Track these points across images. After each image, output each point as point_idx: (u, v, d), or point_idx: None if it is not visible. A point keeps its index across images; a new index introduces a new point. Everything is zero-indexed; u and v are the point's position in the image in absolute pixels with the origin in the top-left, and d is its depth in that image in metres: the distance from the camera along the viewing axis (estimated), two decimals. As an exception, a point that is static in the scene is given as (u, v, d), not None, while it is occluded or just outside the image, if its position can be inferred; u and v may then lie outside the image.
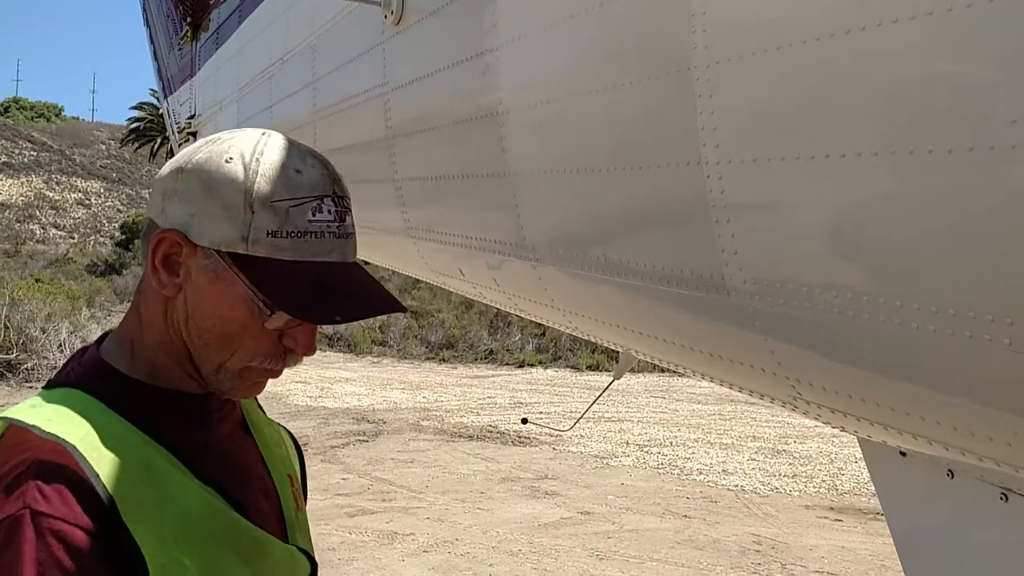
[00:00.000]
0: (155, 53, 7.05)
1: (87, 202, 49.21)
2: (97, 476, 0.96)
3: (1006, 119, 1.05)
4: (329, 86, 3.37)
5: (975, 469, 1.49)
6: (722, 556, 6.65)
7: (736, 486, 8.75)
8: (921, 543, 1.72)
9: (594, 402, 3.35)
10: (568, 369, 18.73)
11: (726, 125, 1.49)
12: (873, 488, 1.85)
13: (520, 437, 10.82)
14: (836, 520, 7.68)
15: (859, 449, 1.83)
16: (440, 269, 3.14)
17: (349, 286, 1.12)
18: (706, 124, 1.52)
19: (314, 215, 1.08)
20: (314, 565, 1.24)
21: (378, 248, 3.74)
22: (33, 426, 0.99)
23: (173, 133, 6.66)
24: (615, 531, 7.20)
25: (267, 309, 1.07)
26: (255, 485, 1.19)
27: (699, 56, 1.51)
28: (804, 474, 9.27)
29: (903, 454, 1.67)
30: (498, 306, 3.07)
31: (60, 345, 14.80)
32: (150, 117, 41.26)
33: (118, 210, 49.12)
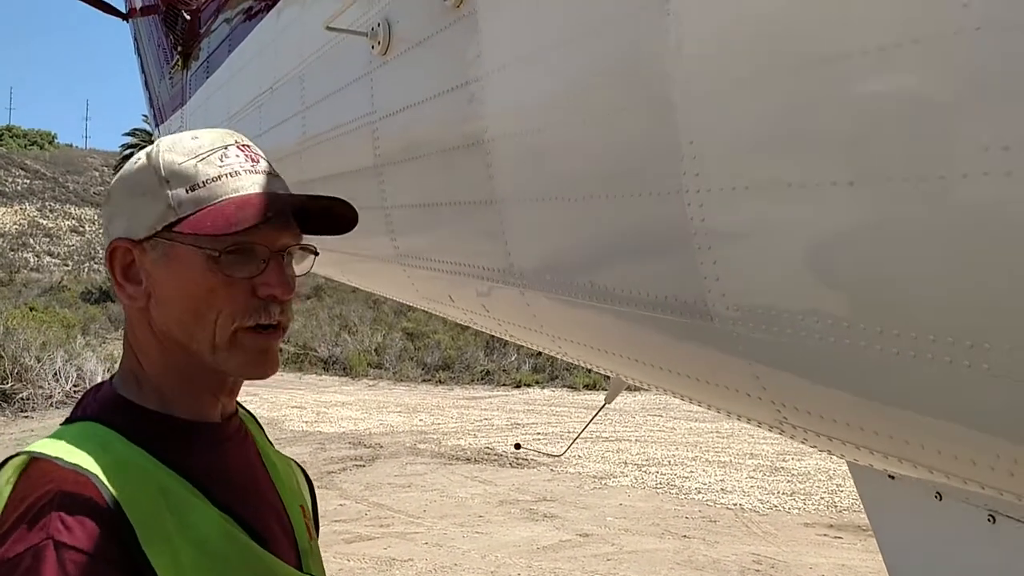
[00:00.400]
0: (146, 82, 7.09)
1: (81, 229, 49.24)
2: (118, 504, 0.98)
3: (979, 147, 1.07)
4: (318, 115, 3.40)
5: (962, 492, 1.49)
6: (722, 576, 6.62)
7: (735, 504, 8.72)
8: (911, 564, 1.73)
9: (586, 426, 3.36)
10: (565, 389, 18.71)
11: (705, 154, 1.50)
12: (864, 511, 1.86)
13: (518, 459, 10.78)
14: (835, 537, 7.66)
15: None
16: (431, 296, 3.15)
17: (278, 199, 1.15)
18: (686, 153, 1.54)
19: (222, 160, 1.14)
20: None
21: (369, 275, 3.75)
22: (56, 458, 1.01)
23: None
24: (615, 553, 7.16)
25: (214, 252, 1.09)
26: (271, 514, 1.20)
27: (679, 86, 1.53)
28: (803, 491, 9.24)
29: (891, 477, 1.68)
30: (489, 331, 3.08)
31: (55, 374, 14.75)
32: (143, 143, 41.39)
33: (113, 237, 48.75)
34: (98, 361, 16.10)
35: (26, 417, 13.61)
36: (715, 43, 1.48)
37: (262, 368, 1.16)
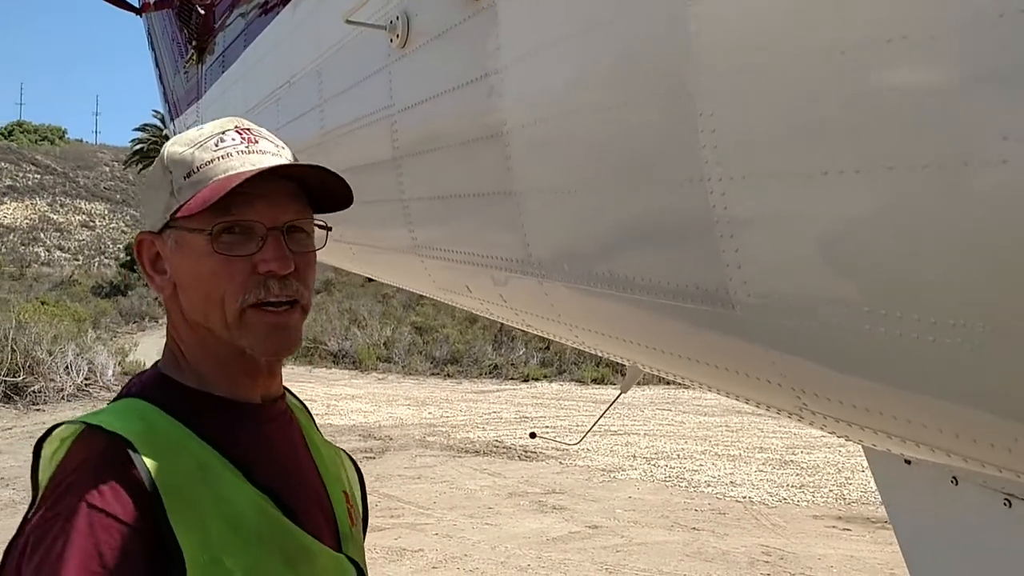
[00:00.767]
0: (161, 76, 7.12)
1: (91, 224, 49.37)
2: (149, 473, 1.02)
3: (998, 135, 1.09)
4: (336, 108, 3.43)
5: (978, 476, 1.52)
6: (731, 568, 6.65)
7: (744, 497, 8.75)
8: (927, 549, 1.75)
9: (601, 416, 3.39)
10: (573, 383, 18.73)
11: (727, 142, 1.53)
12: (880, 497, 1.88)
13: (526, 452, 10.83)
14: (844, 529, 7.68)
15: (866, 459, 1.86)
16: (447, 286, 3.18)
17: (259, 173, 1.16)
18: (707, 141, 1.56)
19: (218, 145, 1.18)
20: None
21: (386, 267, 3.78)
22: (96, 426, 1.07)
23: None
24: (624, 545, 7.19)
25: (208, 230, 1.13)
26: (311, 497, 1.23)
27: (700, 75, 1.55)
28: (812, 484, 9.26)
29: (907, 462, 1.70)
30: (505, 322, 3.10)
31: (67, 367, 14.82)
32: (153, 138, 41.47)
33: (122, 231, 49.26)
34: (109, 355, 16.18)
35: (38, 410, 13.69)
36: (737, 30, 1.50)
37: (275, 345, 1.17)
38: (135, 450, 1.03)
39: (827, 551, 7.05)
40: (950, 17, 1.12)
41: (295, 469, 1.23)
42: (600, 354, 2.61)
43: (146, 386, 1.18)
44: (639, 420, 13.56)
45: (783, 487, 9.16)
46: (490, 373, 20.06)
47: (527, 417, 13.79)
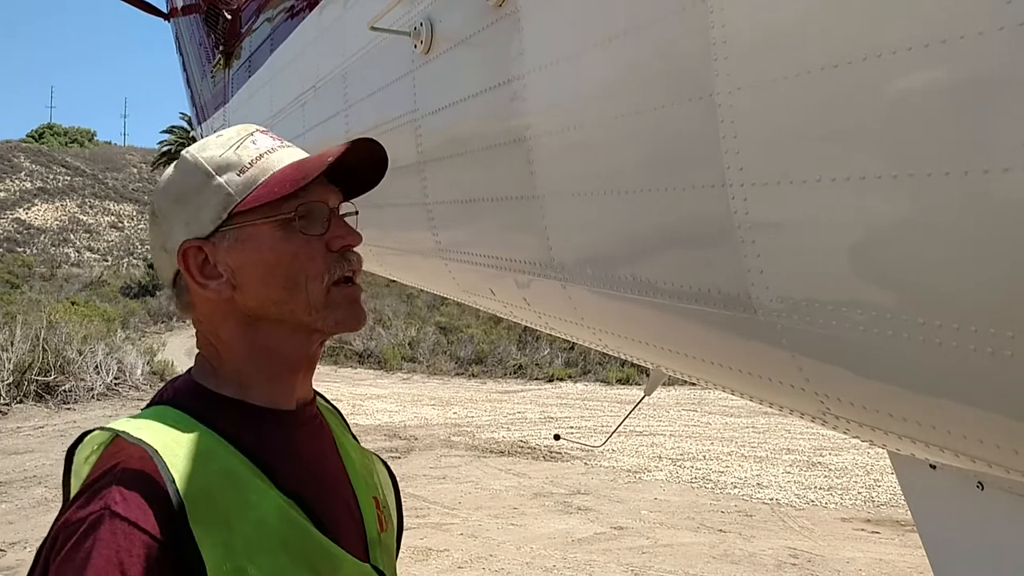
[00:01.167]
0: (188, 81, 7.21)
1: (120, 225, 49.99)
2: (173, 482, 1.03)
3: (1020, 141, 1.09)
4: (361, 113, 3.46)
5: (1004, 481, 1.51)
6: (758, 570, 6.62)
7: (771, 499, 8.70)
8: (953, 554, 1.74)
9: (625, 417, 3.39)
10: (598, 383, 18.71)
11: (749, 148, 1.53)
12: (905, 501, 1.87)
13: (551, 452, 10.83)
14: (873, 532, 7.61)
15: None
16: (471, 289, 3.20)
17: (322, 153, 1.22)
18: (729, 147, 1.57)
19: (256, 144, 1.21)
20: None
21: (409, 269, 3.81)
22: (124, 432, 1.08)
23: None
24: (650, 546, 7.18)
25: (289, 215, 1.16)
26: (339, 503, 1.23)
27: (721, 82, 1.56)
28: (840, 486, 9.19)
29: (933, 467, 1.70)
30: (528, 324, 3.12)
31: (96, 367, 15.03)
32: (180, 140, 41.93)
33: (151, 232, 49.42)
34: (137, 354, 16.39)
35: (68, 409, 13.89)
36: (759, 37, 1.50)
37: (357, 319, 1.23)
38: (161, 459, 1.04)
39: (855, 554, 7.00)
40: (975, 23, 1.12)
41: (323, 474, 1.23)
42: (623, 357, 2.62)
43: (179, 393, 1.19)
44: (665, 421, 13.53)
45: (811, 489, 9.09)
46: (515, 373, 20.09)
47: (552, 417, 13.80)
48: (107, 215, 50.45)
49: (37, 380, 14.17)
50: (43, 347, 14.50)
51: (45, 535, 1.05)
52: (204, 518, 1.02)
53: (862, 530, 7.69)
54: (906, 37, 1.21)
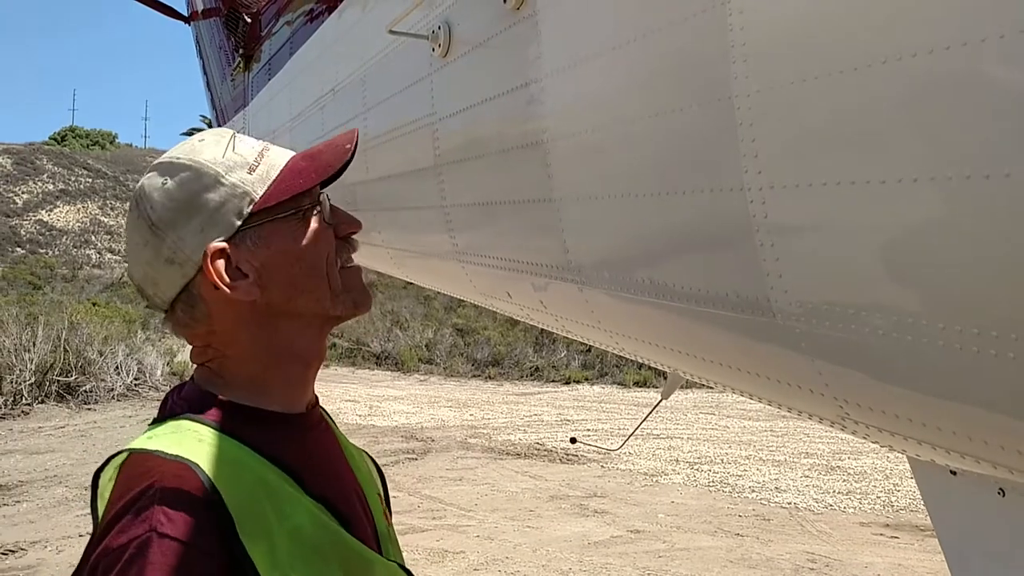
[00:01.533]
0: (208, 83, 7.26)
1: (141, 227, 50.09)
2: (219, 495, 1.00)
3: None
4: (379, 116, 3.47)
5: (1026, 488, 1.50)
6: (776, 575, 6.58)
7: (789, 503, 8.65)
8: (973, 562, 1.72)
9: (642, 421, 3.38)
10: (615, 386, 18.68)
11: (768, 151, 1.52)
12: (925, 507, 1.86)
13: (568, 455, 10.82)
14: (892, 537, 7.55)
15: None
16: (488, 292, 3.20)
17: (327, 144, 1.27)
18: (748, 150, 1.56)
19: (244, 142, 1.22)
20: None
21: (427, 272, 3.82)
22: (157, 451, 1.04)
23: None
24: (666, 550, 7.16)
25: (312, 206, 1.20)
26: (355, 500, 1.23)
27: (739, 85, 1.55)
28: (859, 491, 9.13)
29: (953, 473, 1.68)
30: (545, 327, 3.12)
31: (117, 368, 15.15)
32: (201, 143, 42.00)
33: (170, 234, 49.70)
34: (158, 355, 16.50)
35: (89, 409, 14.01)
36: (778, 39, 1.49)
37: (369, 298, 1.27)
38: (204, 474, 1.01)
39: (874, 559, 6.94)
40: (1002, 24, 1.10)
41: (339, 475, 1.24)
42: (640, 360, 2.61)
43: (193, 404, 1.15)
44: (682, 424, 13.48)
45: (829, 493, 9.03)
46: (531, 375, 20.08)
47: (568, 420, 13.78)
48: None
49: (58, 380, 14.31)
50: (64, 348, 14.63)
51: (77, 565, 1.00)
52: (251, 531, 1.00)
53: (881, 535, 7.63)
54: (929, 38, 1.19)
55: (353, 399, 15.70)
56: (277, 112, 5.03)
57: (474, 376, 20.40)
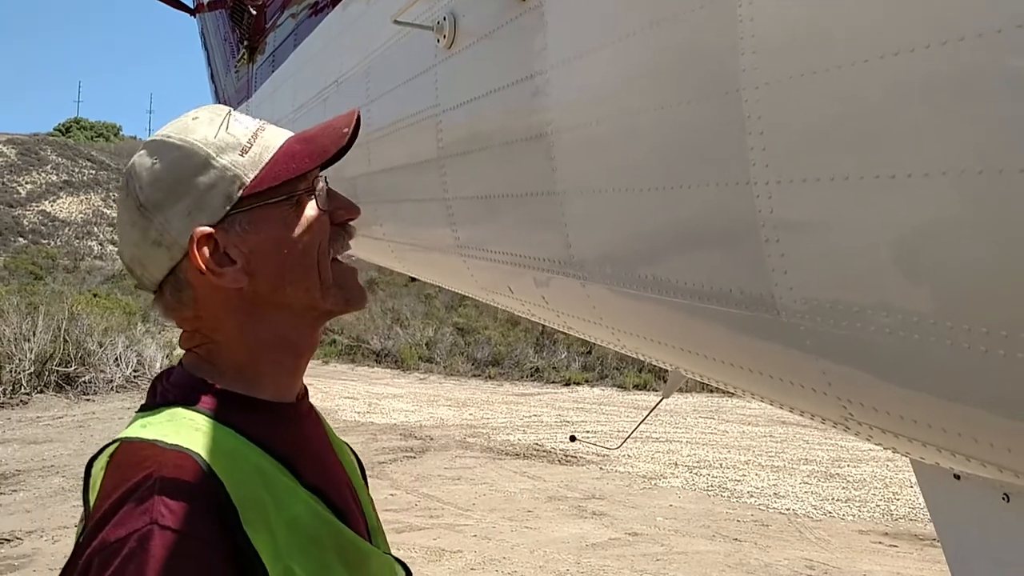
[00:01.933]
0: (212, 75, 7.24)
1: (144, 220, 50.08)
2: (222, 485, 0.97)
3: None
4: (382, 108, 3.44)
5: (1032, 493, 1.47)
6: (772, 580, 6.55)
7: (788, 510, 8.61)
8: (976, 568, 1.69)
9: (642, 421, 3.35)
10: (615, 388, 18.63)
11: (775, 145, 1.50)
12: (928, 512, 1.83)
13: (567, 456, 10.79)
14: (891, 545, 7.52)
15: (913, 473, 1.80)
16: (489, 286, 3.17)
17: (324, 126, 1.20)
18: (755, 144, 1.53)
19: (240, 122, 1.16)
20: (409, 573, 1.26)
21: (428, 266, 3.79)
22: (154, 441, 1.00)
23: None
24: (664, 553, 7.12)
25: (308, 191, 1.14)
26: (346, 493, 1.20)
27: (747, 77, 1.52)
28: (858, 498, 9.09)
29: (957, 477, 1.65)
30: (546, 323, 3.09)
31: (116, 359, 15.18)
32: (205, 137, 42.00)
33: (174, 228, 49.73)
34: (157, 347, 16.52)
35: (88, 400, 14.03)
36: (787, 32, 1.47)
37: (364, 297, 1.21)
38: (207, 464, 0.97)
39: (873, 567, 6.91)
40: (1014, 17, 1.08)
41: (330, 466, 1.21)
42: (642, 358, 2.58)
43: (184, 391, 1.10)
44: (681, 428, 13.44)
45: (828, 500, 9.00)
46: (531, 376, 20.05)
47: (568, 421, 13.75)
48: (131, 210, 50.57)
49: (58, 371, 14.33)
50: (64, 338, 14.65)
51: (69, 558, 0.95)
52: (254, 521, 0.97)
53: (880, 543, 7.59)
54: (940, 31, 1.17)
55: (352, 396, 15.67)
56: (280, 104, 5.01)
57: (474, 376, 20.37)
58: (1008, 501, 1.56)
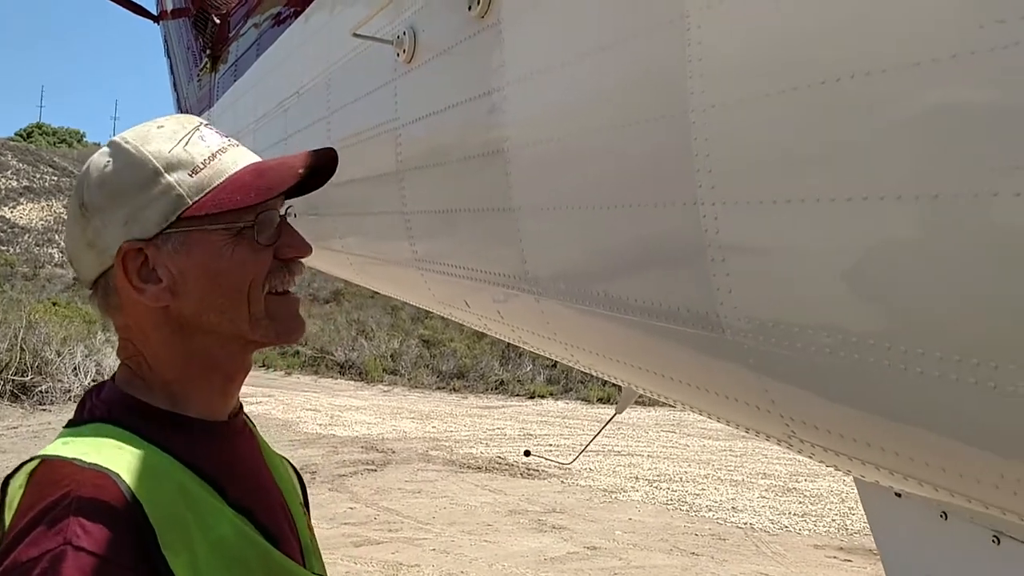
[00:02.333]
0: (175, 83, 7.18)
1: (106, 227, 49.35)
2: (139, 505, 0.95)
3: (1000, 164, 1.07)
4: (343, 120, 3.44)
5: (967, 511, 1.50)
6: (729, 594, 6.59)
7: (745, 524, 8.68)
8: (915, 584, 1.72)
9: (595, 437, 3.37)
10: (579, 401, 18.66)
11: (721, 167, 1.52)
12: (870, 529, 1.86)
13: (528, 469, 10.78)
14: (845, 560, 7.60)
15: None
16: (446, 300, 3.17)
17: (281, 161, 1.17)
18: (702, 166, 1.55)
19: (204, 140, 1.13)
20: None
21: (387, 279, 3.78)
22: (73, 459, 0.98)
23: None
24: (622, 567, 7.14)
25: (248, 224, 1.10)
26: (279, 513, 1.18)
27: (695, 100, 1.55)
28: (814, 513, 9.18)
29: (898, 495, 1.68)
30: (503, 338, 3.10)
31: (75, 369, 14.89)
32: (170, 144, 41.54)
33: (136, 235, 49.04)
34: (117, 357, 16.24)
35: (44, 410, 13.75)
36: (735, 55, 1.49)
37: (298, 331, 1.18)
38: (125, 484, 0.96)
39: (827, 581, 6.98)
40: (952, 44, 1.10)
41: (262, 485, 1.19)
42: (595, 374, 2.60)
43: (113, 409, 1.09)
44: (643, 441, 13.49)
45: (785, 515, 9.08)
46: (496, 389, 20.02)
47: (531, 434, 13.74)
48: (92, 216, 49.79)
49: (13, 380, 14.03)
50: (21, 347, 14.35)
51: None
52: (173, 543, 0.96)
53: (834, 557, 7.67)
54: (884, 57, 1.20)
55: (315, 408, 15.53)
56: (242, 114, 4.98)
57: (439, 388, 20.30)
58: (946, 519, 1.59)
